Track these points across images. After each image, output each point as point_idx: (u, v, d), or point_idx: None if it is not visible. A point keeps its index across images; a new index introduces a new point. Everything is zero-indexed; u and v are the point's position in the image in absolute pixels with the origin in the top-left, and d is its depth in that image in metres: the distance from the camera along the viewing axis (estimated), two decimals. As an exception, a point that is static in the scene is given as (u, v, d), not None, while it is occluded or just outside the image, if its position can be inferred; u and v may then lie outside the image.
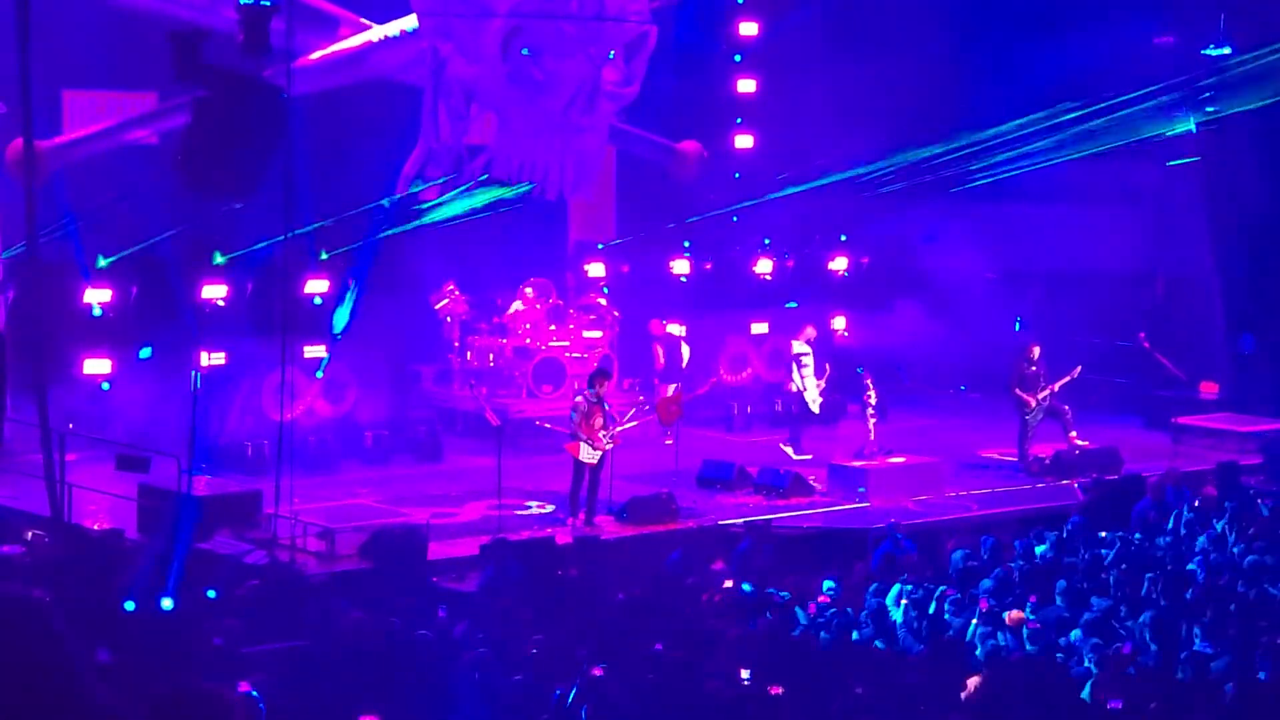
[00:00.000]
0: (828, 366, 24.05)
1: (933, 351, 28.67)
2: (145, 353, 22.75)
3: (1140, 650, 14.43)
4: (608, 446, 20.27)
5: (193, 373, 20.35)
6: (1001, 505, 21.92)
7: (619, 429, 21.06)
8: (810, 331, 24.28)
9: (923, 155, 26.84)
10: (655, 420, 22.99)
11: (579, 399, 20.57)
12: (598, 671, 13.24)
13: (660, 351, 25.35)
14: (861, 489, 21.67)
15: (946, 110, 26.83)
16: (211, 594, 16.29)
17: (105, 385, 22.67)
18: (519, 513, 20.81)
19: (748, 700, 12.94)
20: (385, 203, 24.59)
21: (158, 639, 14.13)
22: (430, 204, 25.15)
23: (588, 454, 20.20)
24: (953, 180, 26.97)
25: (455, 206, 25.37)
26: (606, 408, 20.56)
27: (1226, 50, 26.24)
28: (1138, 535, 19.02)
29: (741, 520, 20.30)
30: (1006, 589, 16.60)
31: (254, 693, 12.16)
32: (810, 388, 23.86)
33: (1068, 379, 23.89)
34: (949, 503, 21.88)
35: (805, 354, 23.85)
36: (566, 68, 25.55)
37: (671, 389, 23.47)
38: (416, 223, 25.10)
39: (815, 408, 24.03)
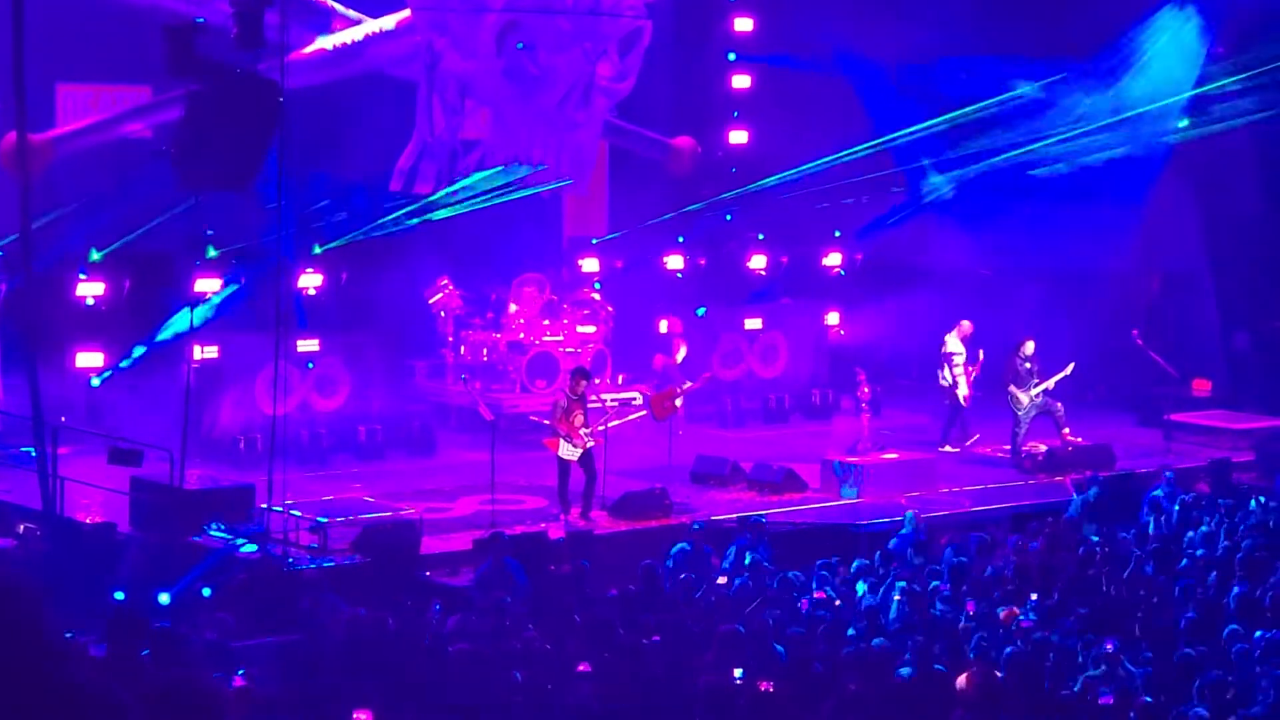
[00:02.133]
0: (981, 354, 24.10)
1: (926, 348, 28.65)
2: (126, 363, 22.73)
3: (1129, 648, 14.44)
4: (589, 444, 20.28)
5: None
6: (994, 501, 21.94)
7: (612, 424, 21.08)
8: (966, 327, 24.29)
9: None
10: (649, 417, 23.02)
11: (559, 396, 20.64)
12: (584, 668, 13.25)
13: (682, 348, 25.25)
14: (851, 488, 21.70)
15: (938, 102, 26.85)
16: (207, 592, 16.28)
17: (95, 382, 22.65)
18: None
19: (740, 696, 12.95)
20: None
21: (150, 632, 14.09)
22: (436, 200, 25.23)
23: (567, 450, 20.22)
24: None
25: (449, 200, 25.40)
26: (588, 405, 20.57)
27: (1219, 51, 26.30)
28: (1123, 534, 19.03)
29: (735, 516, 20.29)
30: (998, 585, 16.63)
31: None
32: (961, 384, 23.93)
33: (1061, 375, 23.92)
34: (942, 499, 21.90)
35: (958, 352, 23.95)
36: (561, 62, 25.55)
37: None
38: (407, 214, 25.10)
39: (964, 402, 24.06)
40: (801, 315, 28.33)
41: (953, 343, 24.13)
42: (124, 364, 22.74)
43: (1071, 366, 24.01)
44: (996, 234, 27.54)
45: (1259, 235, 26.73)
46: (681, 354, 24.94)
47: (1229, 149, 26.34)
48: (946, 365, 24.01)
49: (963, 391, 24.06)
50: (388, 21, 24.81)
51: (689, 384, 23.11)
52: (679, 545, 18.57)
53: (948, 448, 24.23)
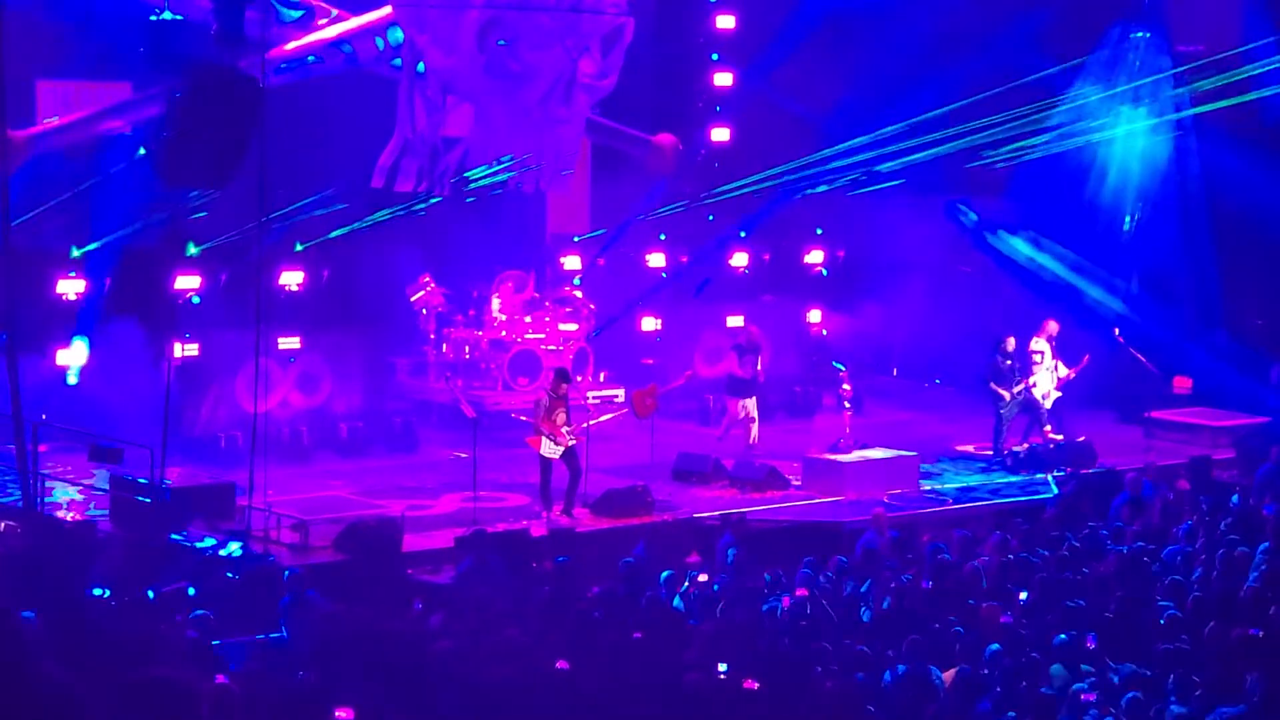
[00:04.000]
0: (1086, 357, 24.19)
1: (908, 344, 28.72)
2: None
3: (1109, 644, 14.47)
4: (570, 443, 20.31)
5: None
6: (976, 499, 21.98)
7: (593, 422, 21.09)
8: (1052, 327, 24.34)
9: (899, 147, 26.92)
10: (631, 414, 23.04)
11: (541, 394, 20.65)
12: (563, 665, 13.24)
13: (759, 361, 24.32)
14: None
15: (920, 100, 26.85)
16: (192, 591, 16.24)
17: (72, 379, 22.59)
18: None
19: (722, 693, 12.95)
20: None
21: (130, 629, 14.06)
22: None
23: (549, 449, 20.25)
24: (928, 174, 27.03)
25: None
26: (570, 404, 20.60)
27: (1200, 48, 26.35)
28: (1103, 531, 19.06)
29: (717, 513, 20.31)
30: (979, 583, 16.64)
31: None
32: (1040, 384, 24.01)
33: (1070, 375, 24.05)
34: (923, 496, 21.93)
35: (1041, 352, 24.01)
36: (543, 59, 25.53)
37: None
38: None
39: (1048, 403, 24.17)
40: (783, 313, 28.34)
41: (1036, 343, 24.18)
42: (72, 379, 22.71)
43: (1083, 363, 24.13)
44: (976, 231, 27.61)
45: (1238, 232, 26.75)
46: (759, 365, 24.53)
47: (1207, 145, 26.39)
48: (1032, 366, 24.09)
49: (1041, 390, 24.08)
50: (369, 18, 24.75)
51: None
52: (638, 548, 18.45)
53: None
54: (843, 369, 23.70)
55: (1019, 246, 27.57)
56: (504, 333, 25.71)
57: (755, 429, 23.99)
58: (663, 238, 28.06)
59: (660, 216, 27.70)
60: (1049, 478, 22.66)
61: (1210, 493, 20.64)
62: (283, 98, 21.39)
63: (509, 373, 25.42)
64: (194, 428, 22.60)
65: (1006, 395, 23.85)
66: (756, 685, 13.00)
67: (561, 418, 20.31)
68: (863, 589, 16.47)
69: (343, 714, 11.87)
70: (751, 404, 24.06)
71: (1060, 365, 24.22)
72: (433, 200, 25.30)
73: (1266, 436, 23.47)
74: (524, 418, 21.09)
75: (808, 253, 29.17)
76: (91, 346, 22.63)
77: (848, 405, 23.15)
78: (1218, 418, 25.35)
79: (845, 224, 28.96)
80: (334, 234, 24.63)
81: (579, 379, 24.32)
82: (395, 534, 18.78)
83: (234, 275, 23.22)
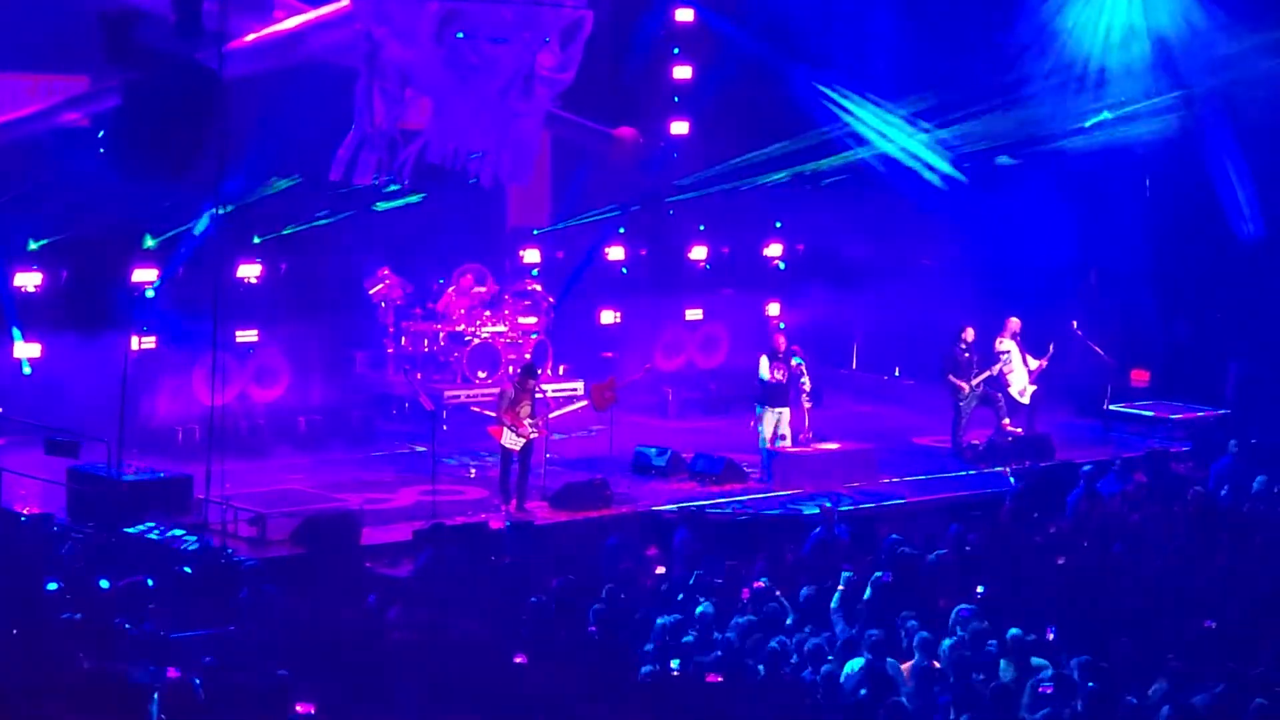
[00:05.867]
0: (1051, 347, 24.14)
1: (867, 337, 28.78)
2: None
3: (1068, 637, 14.53)
4: (532, 435, 20.31)
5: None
6: (935, 492, 22.03)
7: (553, 415, 21.07)
8: (1014, 324, 24.25)
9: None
10: (590, 407, 23.03)
11: (507, 386, 20.63)
12: (521, 659, 13.24)
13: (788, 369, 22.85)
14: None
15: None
16: (150, 582, 16.17)
17: (26, 369, 22.49)
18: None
19: (684, 687, 12.97)
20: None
21: (85, 623, 14.00)
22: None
23: (510, 440, 20.24)
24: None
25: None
26: (536, 397, 20.59)
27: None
28: (1061, 524, 19.14)
29: (675, 506, 20.32)
30: (940, 576, 16.69)
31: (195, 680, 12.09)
32: (1015, 381, 23.98)
33: (999, 367, 23.99)
34: (882, 489, 21.97)
35: (1008, 352, 23.98)
36: (502, 52, 25.44)
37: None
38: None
39: (1026, 399, 24.13)
40: (743, 306, 28.38)
41: (1003, 344, 24.16)
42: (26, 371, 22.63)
43: (1047, 356, 24.22)
44: (937, 224, 27.67)
45: (1197, 225, 26.84)
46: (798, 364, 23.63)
47: (1168, 140, 26.48)
48: (999, 364, 24.05)
49: (1017, 387, 24.09)
50: (327, 10, 24.65)
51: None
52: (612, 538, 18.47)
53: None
54: (801, 362, 23.71)
55: None
56: (463, 326, 25.68)
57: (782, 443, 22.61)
58: (622, 231, 28.05)
59: (620, 209, 27.70)
60: (1007, 471, 22.71)
61: (1168, 486, 20.74)
62: (241, 89, 21.30)
63: (468, 366, 25.38)
64: (151, 420, 22.51)
65: (965, 387, 23.89)
66: (720, 679, 13.04)
67: (526, 410, 20.33)
68: (817, 584, 16.48)
69: (303, 709, 11.85)
70: (785, 415, 22.54)
71: (1029, 358, 24.24)
72: (392, 189, 25.20)
73: (1224, 430, 23.61)
74: (490, 413, 21.04)
75: (767, 246, 29.20)
76: (24, 337, 22.50)
77: (807, 398, 23.16)
78: (1175, 411, 25.45)
79: (804, 217, 29.00)
80: (289, 230, 24.55)
81: (540, 371, 24.31)
82: (354, 527, 18.74)
83: (191, 268, 23.12)
